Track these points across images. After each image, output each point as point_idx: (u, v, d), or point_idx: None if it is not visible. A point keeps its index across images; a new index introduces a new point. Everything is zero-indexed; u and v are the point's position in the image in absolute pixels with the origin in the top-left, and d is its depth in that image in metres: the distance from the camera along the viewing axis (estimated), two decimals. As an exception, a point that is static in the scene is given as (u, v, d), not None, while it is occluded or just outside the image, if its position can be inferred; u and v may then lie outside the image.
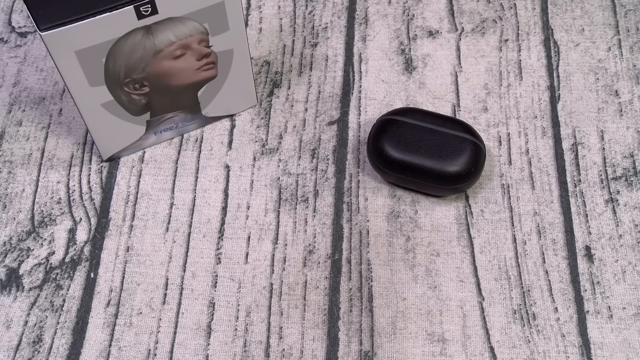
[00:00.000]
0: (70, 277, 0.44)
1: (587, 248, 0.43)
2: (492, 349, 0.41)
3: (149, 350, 0.41)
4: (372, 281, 0.43)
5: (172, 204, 0.46)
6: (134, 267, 0.44)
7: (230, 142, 0.48)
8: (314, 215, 0.45)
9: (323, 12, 0.53)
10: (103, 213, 0.46)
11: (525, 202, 0.45)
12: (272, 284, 0.43)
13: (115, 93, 0.43)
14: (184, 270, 0.44)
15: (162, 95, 0.44)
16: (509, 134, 0.47)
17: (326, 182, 0.46)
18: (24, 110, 0.49)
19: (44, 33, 0.38)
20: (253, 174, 0.47)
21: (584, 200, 0.45)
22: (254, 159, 0.47)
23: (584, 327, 0.41)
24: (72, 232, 0.45)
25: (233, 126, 0.48)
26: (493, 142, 0.47)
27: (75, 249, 0.44)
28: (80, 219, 0.45)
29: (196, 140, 0.48)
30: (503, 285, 0.42)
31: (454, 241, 0.44)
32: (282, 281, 0.43)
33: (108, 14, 0.38)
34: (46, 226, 0.45)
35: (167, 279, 0.43)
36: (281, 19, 0.53)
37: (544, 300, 0.42)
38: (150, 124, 0.46)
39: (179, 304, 0.43)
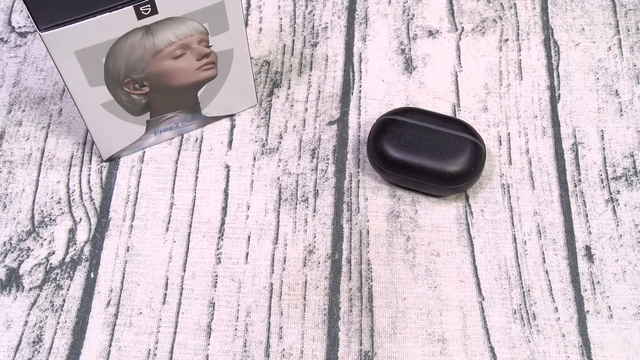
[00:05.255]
0: (70, 277, 0.44)
1: (587, 248, 0.43)
2: (492, 349, 0.41)
3: (149, 350, 0.41)
4: (372, 281, 0.43)
5: (172, 204, 0.46)
6: (134, 267, 0.44)
7: (230, 142, 0.48)
8: (314, 215, 0.45)
9: (323, 12, 0.53)
10: (103, 213, 0.46)
11: (525, 202, 0.45)
12: (272, 284, 0.43)
13: (115, 93, 0.43)
14: (184, 270, 0.44)
15: (162, 95, 0.44)
16: (509, 133, 0.47)
17: (326, 182, 0.46)
18: (24, 110, 0.50)
19: (43, 33, 0.38)
20: (253, 174, 0.47)
21: (584, 200, 0.45)
22: (254, 158, 0.47)
23: (584, 327, 0.41)
24: (72, 232, 0.45)
25: (233, 126, 0.48)
26: (493, 142, 0.47)
27: (75, 249, 0.44)
28: (80, 219, 0.45)
29: (196, 140, 0.48)
30: (503, 285, 0.42)
31: (454, 241, 0.44)
32: (282, 281, 0.43)
33: (108, 14, 0.38)
34: (46, 226, 0.45)
35: (167, 279, 0.43)
36: (281, 18, 0.53)
37: (544, 300, 0.42)
38: (150, 124, 0.46)
39: (179, 304, 0.43)
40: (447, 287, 0.43)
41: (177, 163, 0.47)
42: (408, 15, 0.52)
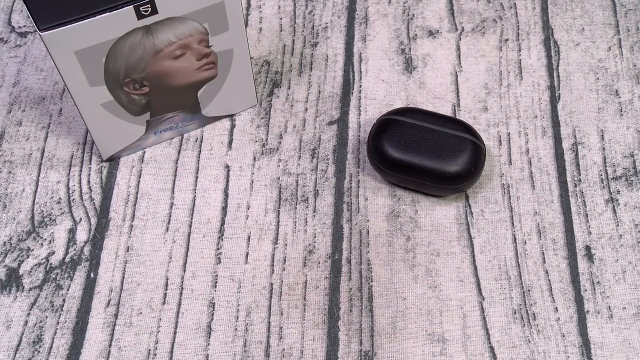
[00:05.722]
0: (70, 277, 0.44)
1: (587, 248, 0.43)
2: (492, 349, 0.41)
3: (149, 350, 0.41)
4: (372, 281, 0.43)
5: (172, 204, 0.46)
6: (134, 267, 0.44)
7: (230, 142, 0.48)
8: (314, 215, 0.45)
9: (323, 12, 0.53)
10: (103, 213, 0.46)
11: (525, 202, 0.45)
12: (272, 284, 0.43)
13: (115, 93, 0.43)
14: (184, 270, 0.44)
15: (162, 95, 0.44)
16: (509, 133, 0.47)
17: (326, 182, 0.46)
18: (24, 110, 0.50)
19: (43, 33, 0.38)
20: (253, 174, 0.47)
21: (584, 200, 0.45)
22: (254, 158, 0.47)
23: (584, 327, 0.41)
24: (72, 232, 0.45)
25: (233, 126, 0.48)
26: (493, 142, 0.47)
27: (75, 249, 0.44)
28: (80, 219, 0.45)
29: (196, 140, 0.48)
30: (503, 285, 0.42)
31: (454, 241, 0.44)
32: (282, 281, 0.43)
33: (108, 14, 0.38)
34: (46, 226, 0.45)
35: (167, 279, 0.43)
36: (281, 18, 0.53)
37: (544, 300, 0.42)
38: (150, 124, 0.46)
39: (179, 304, 0.43)
40: (447, 287, 0.43)
41: (177, 163, 0.47)
42: (408, 15, 0.52)
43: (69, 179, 0.47)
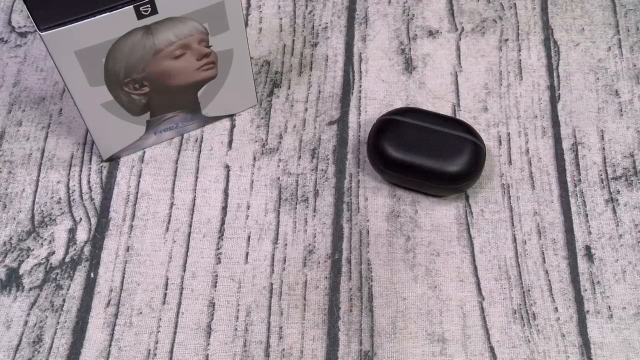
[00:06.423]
0: (70, 277, 0.44)
1: (587, 248, 0.43)
2: (492, 349, 0.41)
3: (149, 350, 0.41)
4: (372, 281, 0.43)
5: (172, 204, 0.46)
6: (134, 267, 0.44)
7: (230, 142, 0.48)
8: (314, 215, 0.45)
9: (323, 12, 0.53)
10: (103, 213, 0.46)
11: (525, 202, 0.45)
12: (272, 284, 0.43)
13: (115, 93, 0.43)
14: (184, 270, 0.44)
15: (162, 95, 0.44)
16: (509, 133, 0.47)
17: (326, 182, 0.46)
18: (24, 110, 0.50)
19: (43, 33, 0.38)
20: (253, 174, 0.47)
21: (584, 200, 0.45)
22: (254, 158, 0.47)
23: (584, 327, 0.41)
24: (72, 232, 0.45)
25: (233, 126, 0.48)
26: (493, 142, 0.47)
27: (75, 249, 0.44)
28: (80, 219, 0.45)
29: (196, 140, 0.48)
30: (503, 285, 0.42)
31: (454, 241, 0.44)
32: (282, 281, 0.43)
33: (108, 14, 0.38)
34: (46, 226, 0.45)
35: (167, 279, 0.43)
36: (281, 18, 0.53)
37: (544, 300, 0.42)
38: (150, 124, 0.46)
39: (179, 304, 0.43)
40: (447, 287, 0.43)
41: (177, 163, 0.47)
42: (408, 15, 0.52)
43: (69, 179, 0.47)
